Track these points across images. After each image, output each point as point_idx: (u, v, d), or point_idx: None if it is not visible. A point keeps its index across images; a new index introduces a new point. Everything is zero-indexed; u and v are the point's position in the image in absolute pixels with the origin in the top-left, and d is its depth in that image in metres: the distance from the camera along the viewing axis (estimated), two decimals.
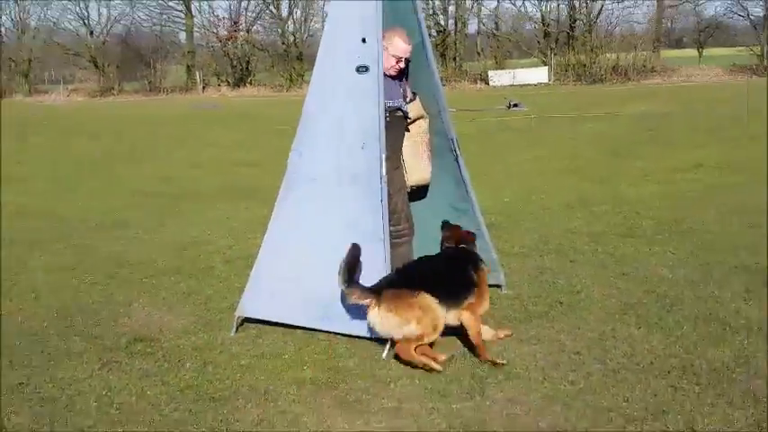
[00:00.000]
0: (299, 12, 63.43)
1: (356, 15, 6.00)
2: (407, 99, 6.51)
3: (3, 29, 68.44)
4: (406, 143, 6.57)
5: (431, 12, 59.82)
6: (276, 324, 6.24)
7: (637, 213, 10.22)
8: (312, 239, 6.13)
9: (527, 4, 61.77)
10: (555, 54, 57.15)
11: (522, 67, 56.65)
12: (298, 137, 6.27)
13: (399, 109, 6.40)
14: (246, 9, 63.98)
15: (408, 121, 6.55)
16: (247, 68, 62.39)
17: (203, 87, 61.46)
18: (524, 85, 51.80)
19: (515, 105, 30.80)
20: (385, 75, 6.07)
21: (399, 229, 6.47)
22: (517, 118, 27.58)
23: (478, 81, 55.12)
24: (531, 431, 4.56)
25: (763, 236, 8.65)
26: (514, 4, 61.53)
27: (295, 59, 61.30)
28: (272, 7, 63.09)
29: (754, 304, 6.47)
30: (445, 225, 6.41)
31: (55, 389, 5.35)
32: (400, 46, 6.21)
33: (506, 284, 7.06)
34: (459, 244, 6.22)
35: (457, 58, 58.95)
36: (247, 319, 6.36)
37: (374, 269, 5.81)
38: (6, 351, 6.09)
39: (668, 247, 8.36)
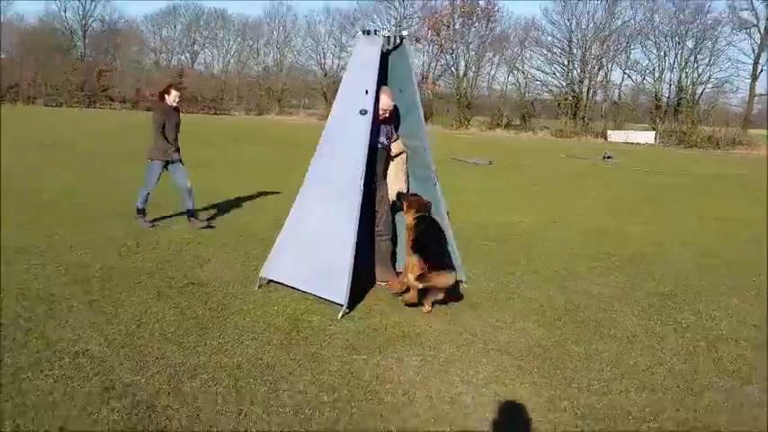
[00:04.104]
0: (471, 74, 63.47)
1: (362, 73, 6.18)
2: (392, 139, 6.61)
3: (266, 65, 72.63)
4: (390, 170, 6.67)
5: (569, 82, 58.34)
6: (289, 286, 6.31)
7: (622, 244, 9.71)
8: (315, 226, 6.21)
9: (645, 82, 58.24)
10: (662, 122, 54.47)
11: (635, 130, 54.32)
12: (319, 146, 6.37)
13: (384, 145, 6.53)
14: (435, 68, 64.68)
15: (392, 154, 6.66)
16: (429, 110, 62.75)
17: None
18: (634, 143, 49.71)
19: (609, 157, 29.64)
20: (378, 119, 6.23)
21: (378, 230, 6.58)
22: (605, 166, 26.55)
23: (599, 136, 53.27)
24: (392, 379, 4.57)
25: (694, 269, 8.18)
26: (634, 81, 59.10)
27: (464, 107, 61.33)
28: (452, 68, 63.47)
29: (636, 320, 6.14)
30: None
31: (114, 308, 5.66)
32: (384, 102, 6.33)
33: (468, 281, 6.86)
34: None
35: (585, 118, 57.08)
36: (274, 281, 6.48)
37: (346, 240, 5.88)
38: (114, 284, 6.51)
39: (615, 272, 7.92)
